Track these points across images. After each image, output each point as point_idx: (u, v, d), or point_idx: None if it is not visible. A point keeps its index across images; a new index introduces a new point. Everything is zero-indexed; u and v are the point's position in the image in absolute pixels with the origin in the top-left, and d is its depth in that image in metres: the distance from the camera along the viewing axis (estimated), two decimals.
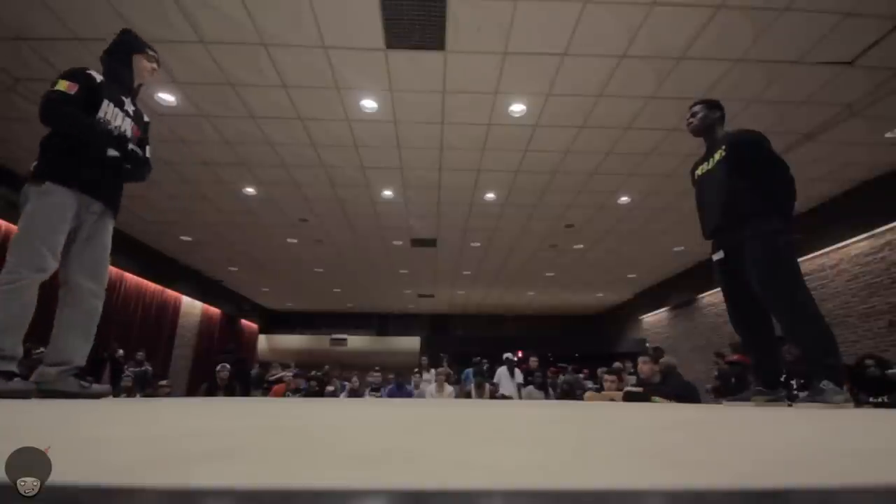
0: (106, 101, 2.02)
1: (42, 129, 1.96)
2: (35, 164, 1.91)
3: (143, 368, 7.35)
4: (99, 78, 2.03)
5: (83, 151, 1.94)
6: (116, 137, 2.00)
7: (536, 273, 10.73)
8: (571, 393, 5.53)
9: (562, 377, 6.64)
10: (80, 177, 1.93)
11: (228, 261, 10.15)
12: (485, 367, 7.66)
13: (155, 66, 2.26)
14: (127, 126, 2.13)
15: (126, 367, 7.03)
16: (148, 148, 2.29)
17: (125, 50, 2.17)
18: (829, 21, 3.47)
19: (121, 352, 7.32)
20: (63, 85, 1.93)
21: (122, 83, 2.14)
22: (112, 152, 2.00)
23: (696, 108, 2.50)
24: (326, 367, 8.94)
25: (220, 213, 7.45)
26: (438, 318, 15.97)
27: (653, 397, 3.53)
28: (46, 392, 1.82)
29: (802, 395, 3.14)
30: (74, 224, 1.95)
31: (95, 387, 1.98)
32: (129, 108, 2.15)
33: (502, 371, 6.79)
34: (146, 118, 2.29)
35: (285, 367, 8.23)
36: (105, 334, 7.89)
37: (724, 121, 2.50)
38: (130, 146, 2.05)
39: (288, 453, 0.48)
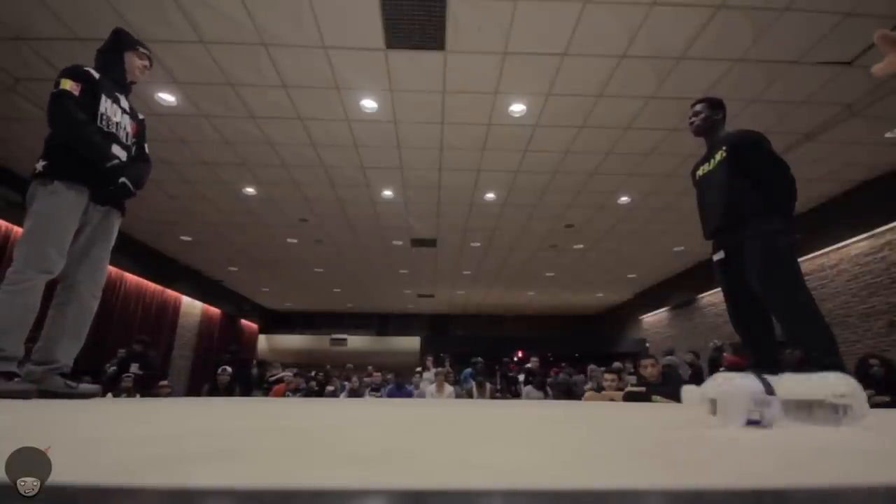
0: (104, 97, 2.02)
1: (44, 128, 1.96)
2: (43, 163, 1.89)
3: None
4: (97, 75, 2.04)
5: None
6: (119, 166, 1.99)
7: (536, 273, 10.73)
8: (570, 393, 5.61)
9: (561, 376, 6.76)
10: (90, 175, 1.92)
11: (228, 261, 10.14)
12: (506, 370, 7.88)
13: (146, 63, 2.25)
14: (126, 122, 2.14)
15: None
16: (146, 145, 2.30)
17: (116, 48, 2.17)
18: (829, 21, 3.47)
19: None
20: (68, 84, 1.92)
21: (116, 80, 2.14)
22: (115, 159, 1.99)
23: (699, 107, 2.47)
24: (349, 365, 8.88)
25: (220, 213, 7.44)
26: (438, 318, 15.97)
27: (654, 397, 3.52)
28: (40, 392, 1.82)
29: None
30: (81, 222, 1.95)
31: (83, 387, 1.97)
32: (125, 104, 2.16)
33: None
34: (141, 115, 2.29)
35: (286, 366, 8.23)
36: (131, 336, 8.02)
37: (726, 121, 2.49)
38: (122, 180, 2.01)
39: (288, 453, 0.48)
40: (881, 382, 3.97)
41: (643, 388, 3.74)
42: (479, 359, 7.81)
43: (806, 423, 0.82)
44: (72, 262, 1.94)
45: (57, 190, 1.85)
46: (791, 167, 2.19)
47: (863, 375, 4.00)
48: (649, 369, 3.83)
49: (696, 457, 0.51)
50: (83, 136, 1.90)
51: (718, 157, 2.33)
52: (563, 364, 7.53)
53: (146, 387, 6.00)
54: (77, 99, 1.92)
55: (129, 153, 2.14)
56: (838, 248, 6.42)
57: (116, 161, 1.97)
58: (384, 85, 4.32)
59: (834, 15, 3.40)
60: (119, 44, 2.18)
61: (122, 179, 1.98)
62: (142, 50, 2.22)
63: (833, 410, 0.82)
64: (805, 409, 0.83)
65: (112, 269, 7.87)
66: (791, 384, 0.83)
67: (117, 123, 2.07)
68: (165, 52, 3.86)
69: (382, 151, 5.53)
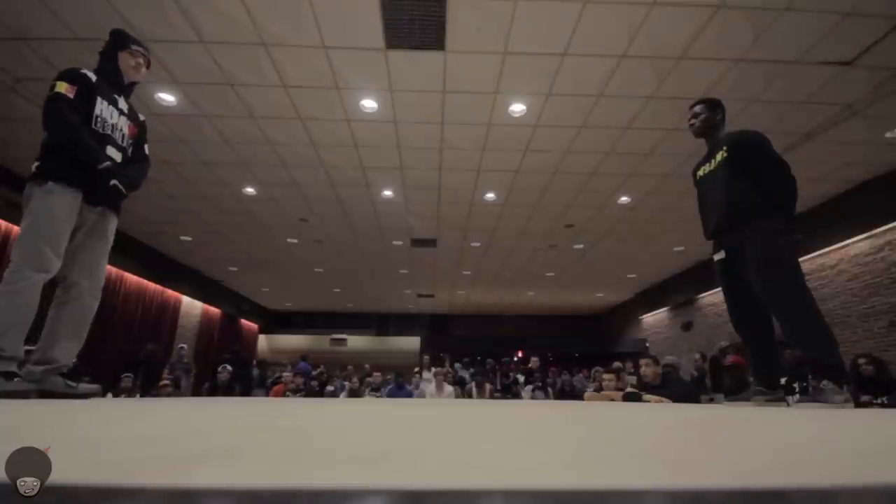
0: (100, 99, 2.02)
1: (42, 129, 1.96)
2: (37, 164, 1.91)
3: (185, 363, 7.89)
4: (94, 77, 2.04)
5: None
6: (111, 168, 1.98)
7: (536, 273, 10.73)
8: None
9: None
10: (84, 176, 1.93)
11: (228, 261, 10.14)
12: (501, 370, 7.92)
13: (140, 61, 2.21)
14: (123, 124, 2.13)
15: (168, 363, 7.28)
16: (146, 146, 2.30)
17: (112, 49, 2.17)
18: (829, 21, 3.47)
19: (150, 346, 7.58)
20: (63, 87, 1.93)
21: (114, 82, 2.14)
22: (109, 160, 1.99)
23: (698, 108, 2.47)
24: (350, 367, 8.77)
25: (220, 213, 7.44)
26: (438, 318, 15.96)
27: (644, 396, 3.52)
28: (40, 392, 1.82)
29: (794, 398, 3.16)
30: (77, 223, 1.95)
31: (83, 386, 1.97)
32: (123, 106, 2.16)
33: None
34: (141, 117, 2.29)
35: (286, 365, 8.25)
36: (138, 336, 7.98)
37: (725, 121, 2.49)
38: (112, 182, 2.00)
39: (288, 453, 0.48)
40: (871, 380, 3.99)
41: (643, 388, 3.74)
42: (467, 359, 7.91)
43: None
44: (70, 262, 1.95)
45: (52, 190, 1.86)
46: (791, 167, 2.19)
47: (856, 376, 4.03)
48: (645, 369, 3.83)
49: (696, 457, 0.51)
50: (76, 138, 1.91)
51: (719, 157, 2.32)
52: (539, 373, 7.56)
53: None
54: (71, 101, 1.93)
55: (125, 154, 2.14)
56: (838, 248, 6.42)
57: (108, 163, 1.97)
58: (384, 85, 4.32)
59: (834, 15, 3.40)
60: (114, 45, 2.18)
61: (113, 182, 1.97)
62: (135, 48, 2.19)
63: None
64: None
65: (112, 269, 7.87)
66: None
67: (113, 125, 2.07)
68: (165, 52, 3.86)
69: (382, 151, 5.53)
